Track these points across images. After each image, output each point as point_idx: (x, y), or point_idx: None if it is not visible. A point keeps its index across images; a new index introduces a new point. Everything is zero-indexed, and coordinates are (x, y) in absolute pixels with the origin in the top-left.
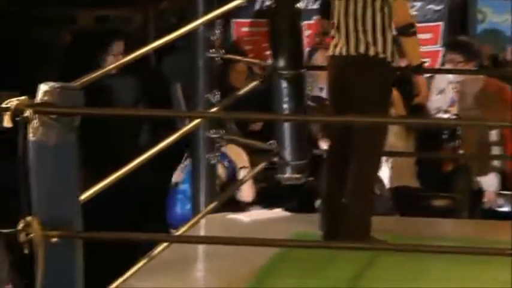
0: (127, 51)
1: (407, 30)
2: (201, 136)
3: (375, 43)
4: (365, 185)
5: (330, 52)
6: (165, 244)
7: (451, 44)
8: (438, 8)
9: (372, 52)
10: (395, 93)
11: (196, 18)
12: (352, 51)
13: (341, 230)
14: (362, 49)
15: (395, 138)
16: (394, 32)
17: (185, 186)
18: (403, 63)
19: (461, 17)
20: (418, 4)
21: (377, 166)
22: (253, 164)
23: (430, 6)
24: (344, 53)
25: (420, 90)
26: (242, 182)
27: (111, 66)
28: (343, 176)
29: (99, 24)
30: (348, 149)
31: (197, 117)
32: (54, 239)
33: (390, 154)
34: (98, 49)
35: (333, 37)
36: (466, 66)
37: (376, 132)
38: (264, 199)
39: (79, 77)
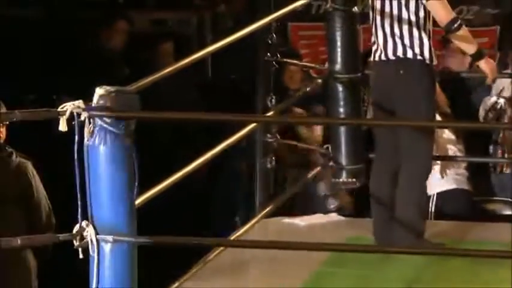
0: (182, 54)
1: (451, 27)
2: (258, 140)
3: (412, 46)
4: (415, 188)
5: (371, 58)
6: (221, 248)
7: None
8: (494, 11)
9: (410, 55)
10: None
11: (253, 22)
12: (391, 56)
13: (393, 234)
14: (400, 53)
15: (444, 140)
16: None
17: None
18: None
19: None
20: (474, 8)
21: (426, 169)
22: None
23: (487, 10)
24: (383, 57)
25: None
26: (294, 189)
27: (168, 70)
28: (394, 179)
29: (156, 27)
30: (396, 154)
31: (253, 122)
32: (109, 244)
33: (443, 158)
34: (149, 51)
35: (373, 43)
36: None
37: (422, 135)
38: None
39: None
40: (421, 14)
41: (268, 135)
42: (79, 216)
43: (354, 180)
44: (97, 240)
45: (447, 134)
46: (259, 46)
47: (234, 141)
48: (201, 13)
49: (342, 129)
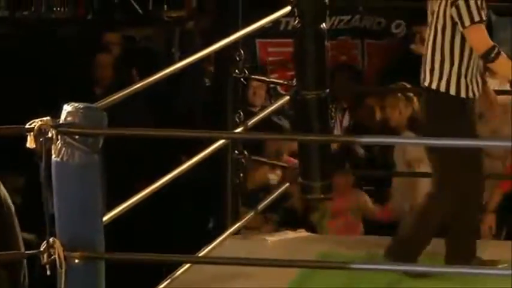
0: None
1: (488, 56)
2: (228, 157)
3: (440, 76)
4: (429, 210)
5: None
6: (188, 264)
7: None
8: None
9: (434, 86)
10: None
11: (221, 39)
12: (424, 83)
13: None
14: (427, 82)
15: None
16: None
17: None
18: None
19: None
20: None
21: (450, 194)
22: None
23: None
24: (422, 84)
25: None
26: (265, 204)
27: (136, 87)
28: None
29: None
30: None
31: (223, 138)
32: (76, 260)
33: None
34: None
35: None
36: None
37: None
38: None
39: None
40: (458, 39)
41: (236, 152)
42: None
43: (323, 196)
44: (64, 257)
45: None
46: (227, 62)
47: (202, 157)
48: (170, 30)
49: (311, 145)
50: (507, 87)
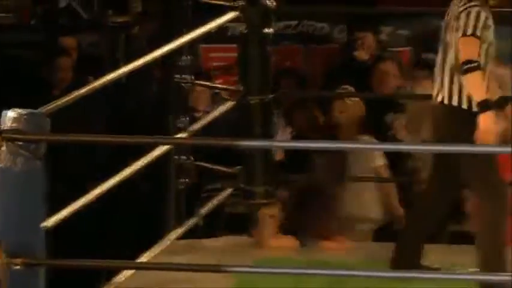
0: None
1: (465, 66)
2: (171, 161)
3: (442, 88)
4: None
5: None
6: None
7: None
8: (406, 33)
9: (439, 98)
10: None
11: (165, 44)
12: (436, 99)
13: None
14: (434, 94)
15: None
16: None
17: None
18: None
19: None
20: (388, 29)
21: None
22: None
23: (400, 31)
24: (434, 99)
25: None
26: (209, 208)
27: (80, 92)
28: None
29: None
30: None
31: (167, 144)
32: (18, 266)
33: None
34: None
35: None
36: None
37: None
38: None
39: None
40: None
41: (183, 157)
42: None
43: (265, 201)
44: (6, 264)
45: None
46: (171, 68)
47: (146, 163)
48: (115, 35)
49: (254, 150)
50: None
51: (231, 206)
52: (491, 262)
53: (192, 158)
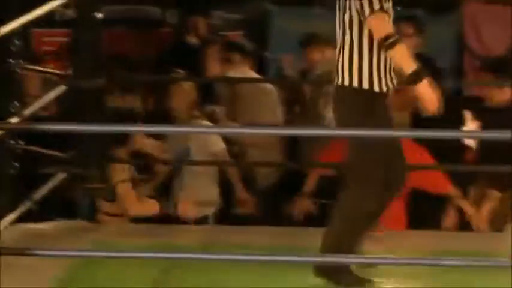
0: None
1: (386, 42)
2: (3, 146)
3: (352, 72)
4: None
5: None
6: None
7: None
8: (238, 17)
9: (339, 81)
10: None
11: None
12: (337, 82)
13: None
14: (340, 80)
15: None
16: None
17: None
18: None
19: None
20: (220, 13)
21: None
22: None
23: (232, 15)
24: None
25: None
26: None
27: None
28: None
29: None
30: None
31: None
32: None
33: None
34: None
35: None
36: None
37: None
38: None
39: None
40: (366, 32)
41: (12, 141)
42: None
43: (100, 185)
44: None
45: None
46: (1, 52)
47: None
48: None
49: (87, 136)
50: None
51: (66, 191)
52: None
53: (23, 143)
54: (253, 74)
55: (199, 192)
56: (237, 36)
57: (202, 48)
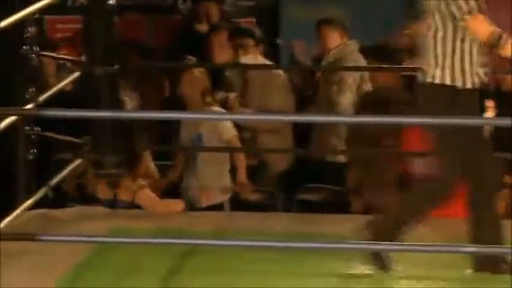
0: None
1: (496, 45)
2: (20, 133)
3: (436, 69)
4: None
5: None
6: None
7: None
8: (250, 4)
9: (432, 78)
10: None
11: (8, 16)
12: (425, 78)
13: None
14: (429, 77)
15: None
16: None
17: None
18: None
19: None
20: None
21: None
22: None
23: (243, 2)
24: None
25: None
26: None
27: None
28: None
29: None
30: None
31: (15, 115)
32: None
33: None
34: None
35: None
36: None
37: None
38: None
39: None
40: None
41: (28, 128)
42: None
43: (115, 171)
44: None
45: None
46: (16, 39)
47: None
48: None
49: (102, 121)
50: None
51: (80, 177)
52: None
53: (39, 129)
54: (264, 61)
55: (212, 180)
56: (249, 22)
57: (209, 34)
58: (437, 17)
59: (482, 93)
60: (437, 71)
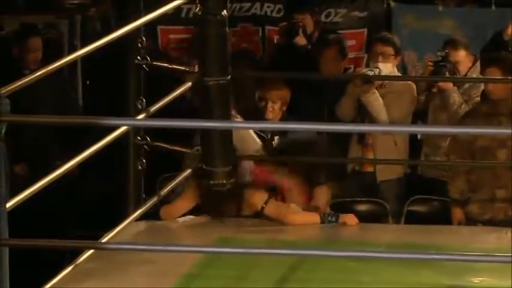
0: (51, 57)
1: None
2: (130, 142)
3: None
4: None
5: None
6: (91, 250)
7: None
8: (362, 14)
9: None
10: None
11: (123, 26)
12: None
13: None
14: None
15: None
16: None
17: None
18: None
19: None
20: (342, 11)
21: None
22: None
23: (355, 12)
24: None
25: None
26: (166, 190)
27: (39, 73)
28: None
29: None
30: None
31: (126, 125)
32: None
33: None
34: (15, 48)
35: None
36: None
37: None
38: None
39: None
40: None
41: (139, 138)
42: None
43: (225, 181)
44: None
45: None
46: (129, 49)
47: (105, 143)
48: (71, 16)
49: (213, 131)
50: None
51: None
52: None
53: (149, 140)
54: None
55: None
56: (361, 33)
57: (316, 48)
58: None
59: None
60: None
